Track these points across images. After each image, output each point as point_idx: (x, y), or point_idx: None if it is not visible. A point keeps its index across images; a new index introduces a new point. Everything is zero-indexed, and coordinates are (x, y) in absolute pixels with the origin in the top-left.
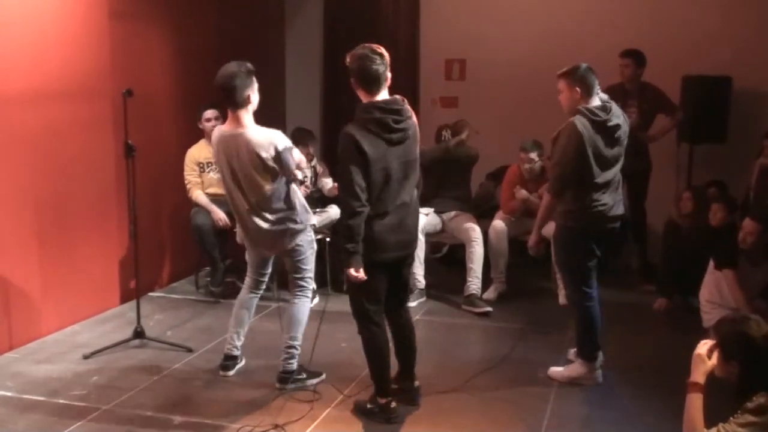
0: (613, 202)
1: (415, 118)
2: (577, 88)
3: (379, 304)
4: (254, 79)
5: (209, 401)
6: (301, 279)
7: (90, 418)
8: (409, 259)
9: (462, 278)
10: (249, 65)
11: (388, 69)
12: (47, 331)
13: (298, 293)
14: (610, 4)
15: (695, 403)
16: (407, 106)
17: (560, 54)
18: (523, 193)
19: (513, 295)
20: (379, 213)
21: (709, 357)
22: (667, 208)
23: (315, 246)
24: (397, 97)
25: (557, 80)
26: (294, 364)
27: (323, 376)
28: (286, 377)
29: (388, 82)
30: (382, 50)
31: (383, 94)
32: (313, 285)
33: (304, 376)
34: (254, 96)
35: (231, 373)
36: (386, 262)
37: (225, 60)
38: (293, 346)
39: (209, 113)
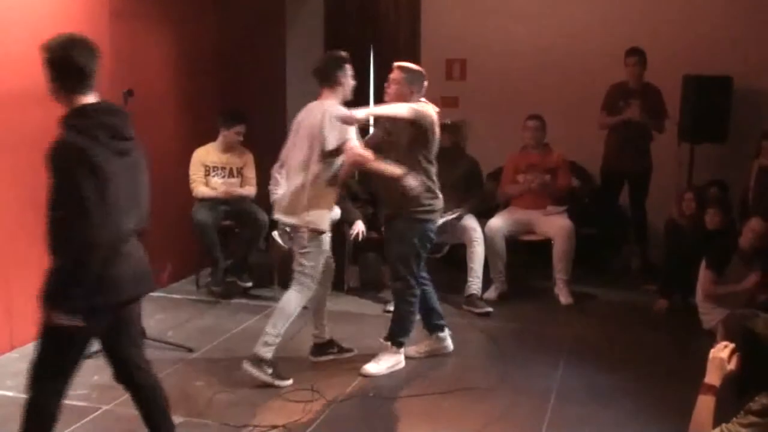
0: None
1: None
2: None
3: (74, 371)
4: (344, 66)
5: (210, 401)
6: (298, 273)
7: (91, 418)
8: (142, 297)
9: (462, 278)
10: (340, 54)
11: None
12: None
13: (292, 285)
14: (610, 4)
15: (707, 405)
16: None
17: (561, 55)
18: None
19: (513, 295)
20: (110, 241)
21: (730, 361)
22: (668, 208)
23: (323, 246)
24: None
25: (394, 70)
26: (265, 352)
27: (288, 382)
28: (253, 358)
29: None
30: (91, 41)
31: (90, 96)
32: (308, 282)
33: (270, 371)
34: (344, 80)
35: (315, 359)
36: (117, 304)
37: (226, 60)
38: (268, 334)
39: (241, 128)
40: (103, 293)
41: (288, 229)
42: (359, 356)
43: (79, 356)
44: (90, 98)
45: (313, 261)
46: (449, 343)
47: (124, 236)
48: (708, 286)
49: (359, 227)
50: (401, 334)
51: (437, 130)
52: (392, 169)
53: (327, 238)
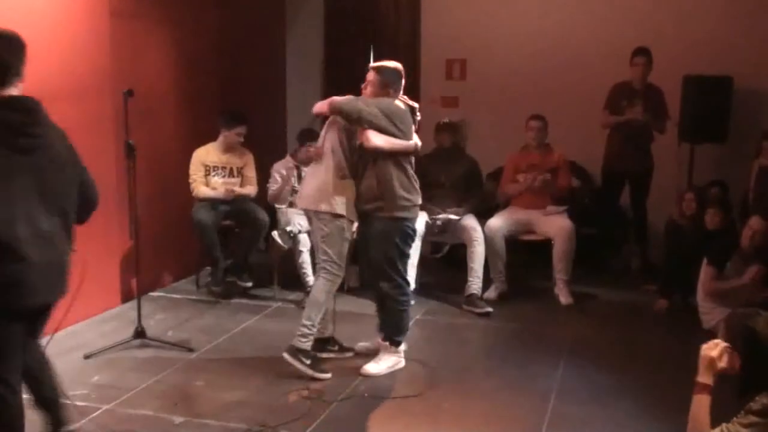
0: None
1: (64, 135)
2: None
3: (19, 366)
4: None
5: (210, 401)
6: (324, 261)
7: (91, 418)
8: (53, 304)
9: (462, 278)
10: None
11: (24, 62)
12: (48, 331)
13: (319, 273)
14: (610, 4)
15: (703, 404)
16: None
17: (561, 55)
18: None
19: (513, 295)
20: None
21: (720, 359)
22: (668, 208)
23: (345, 234)
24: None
25: (370, 71)
26: (302, 343)
27: (327, 376)
28: (290, 349)
29: (22, 77)
30: (17, 36)
31: (11, 90)
32: (334, 270)
33: (308, 362)
34: None
35: (322, 355)
36: (28, 307)
37: (226, 60)
38: (304, 325)
39: (242, 129)
40: (5, 294)
41: (297, 230)
42: (359, 356)
43: (12, 351)
44: (12, 92)
45: (336, 247)
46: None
47: (22, 237)
48: (709, 283)
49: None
50: (397, 333)
51: (406, 121)
52: (399, 142)
53: (348, 225)
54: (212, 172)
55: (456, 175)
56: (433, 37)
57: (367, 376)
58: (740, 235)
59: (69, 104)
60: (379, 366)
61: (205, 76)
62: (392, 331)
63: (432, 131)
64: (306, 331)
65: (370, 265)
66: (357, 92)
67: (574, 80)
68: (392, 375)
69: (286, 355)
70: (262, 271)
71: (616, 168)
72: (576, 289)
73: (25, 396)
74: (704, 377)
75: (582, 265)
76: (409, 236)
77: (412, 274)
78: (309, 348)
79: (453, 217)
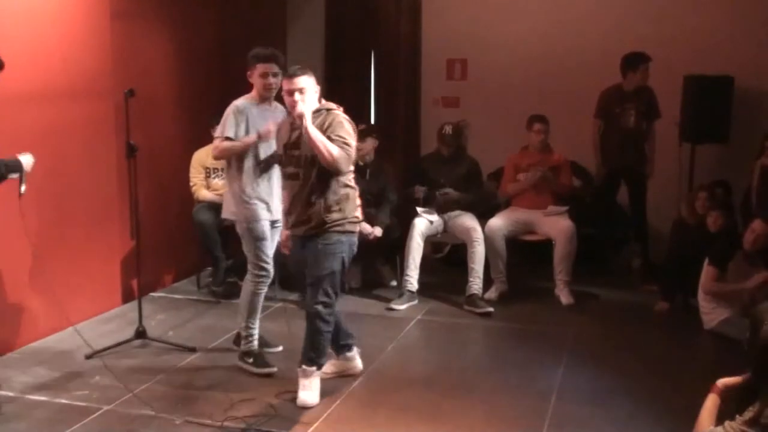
0: None
1: None
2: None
3: None
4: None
5: (211, 401)
6: (248, 262)
7: (92, 418)
8: None
9: (463, 278)
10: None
11: None
12: (49, 331)
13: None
14: (611, 4)
15: (707, 403)
16: None
17: (562, 54)
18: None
19: (514, 295)
20: None
21: None
22: (668, 208)
23: (253, 234)
24: None
25: (292, 82)
26: (245, 346)
27: (271, 370)
28: (239, 354)
29: None
30: None
31: None
32: (253, 270)
33: (250, 360)
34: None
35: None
36: None
37: (226, 60)
38: (241, 328)
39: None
40: None
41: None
42: (360, 356)
43: None
44: None
45: (247, 247)
46: (358, 362)
47: None
48: (709, 283)
49: (366, 228)
50: (322, 355)
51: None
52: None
53: (253, 225)
54: (212, 174)
55: (457, 175)
56: (434, 38)
57: (308, 408)
58: (742, 236)
59: (69, 104)
60: (314, 393)
61: (205, 76)
62: (317, 354)
63: (435, 133)
64: (244, 333)
65: (305, 279)
66: (358, 91)
67: (575, 80)
68: (392, 376)
69: (237, 361)
70: None
71: (611, 167)
72: (577, 289)
73: (21, 395)
74: (721, 381)
75: (583, 265)
76: (353, 251)
77: (413, 275)
78: (252, 348)
79: (450, 191)
